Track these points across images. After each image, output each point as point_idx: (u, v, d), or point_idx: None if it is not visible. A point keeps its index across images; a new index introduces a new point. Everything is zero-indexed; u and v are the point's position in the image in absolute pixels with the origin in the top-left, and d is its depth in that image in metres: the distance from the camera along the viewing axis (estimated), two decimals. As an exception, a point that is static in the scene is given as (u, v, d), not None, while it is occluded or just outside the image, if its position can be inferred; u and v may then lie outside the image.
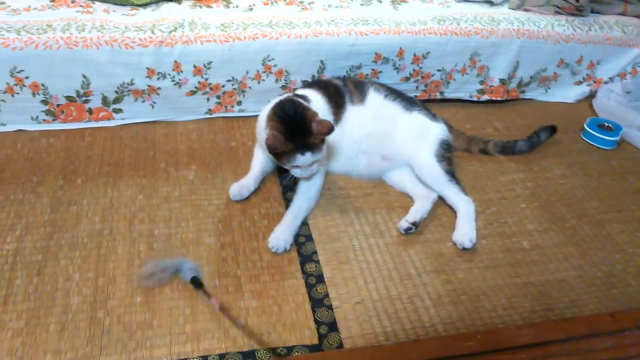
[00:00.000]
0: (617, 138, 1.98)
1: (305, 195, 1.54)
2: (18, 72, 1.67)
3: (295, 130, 1.36)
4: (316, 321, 1.26)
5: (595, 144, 1.99)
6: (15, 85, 1.69)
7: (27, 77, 1.68)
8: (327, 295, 1.33)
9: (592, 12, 2.23)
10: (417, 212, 1.54)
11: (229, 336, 1.20)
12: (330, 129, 1.36)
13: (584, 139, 2.02)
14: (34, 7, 1.84)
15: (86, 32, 1.69)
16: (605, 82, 2.26)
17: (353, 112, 1.62)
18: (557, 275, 1.45)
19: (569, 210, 1.68)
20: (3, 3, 1.83)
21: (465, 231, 1.50)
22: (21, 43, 1.63)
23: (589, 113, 2.20)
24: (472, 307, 1.34)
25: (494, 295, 1.38)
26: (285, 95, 1.50)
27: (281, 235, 1.44)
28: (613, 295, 1.41)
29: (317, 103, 1.53)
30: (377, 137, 1.63)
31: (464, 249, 1.48)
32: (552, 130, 1.92)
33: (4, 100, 1.71)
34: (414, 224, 1.51)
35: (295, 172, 1.44)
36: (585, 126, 2.01)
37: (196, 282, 1.29)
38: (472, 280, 1.41)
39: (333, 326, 1.25)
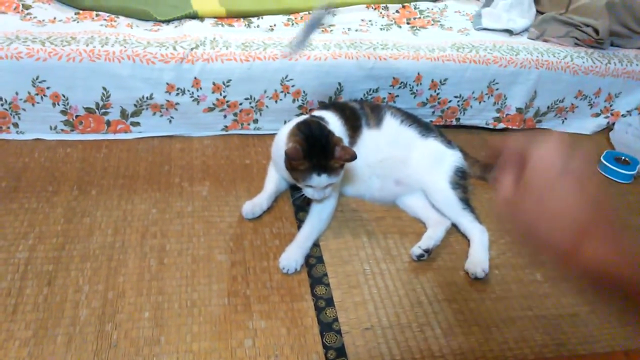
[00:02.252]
0: (634, 172, 1.96)
1: (318, 216, 1.54)
2: (40, 82, 1.69)
3: (317, 150, 1.36)
4: (324, 346, 1.24)
5: (611, 178, 1.98)
6: (37, 94, 1.71)
7: (48, 88, 1.71)
8: (336, 319, 1.31)
9: (612, 45, 2.23)
10: (430, 238, 1.53)
11: (236, 356, 1.19)
12: (353, 157, 1.36)
13: (601, 172, 2.01)
14: (59, 18, 1.87)
15: (109, 45, 1.72)
16: (623, 115, 2.24)
17: (369, 136, 1.62)
18: (569, 310, 1.43)
19: (584, 243, 1.66)
20: (30, 14, 1.87)
21: (478, 260, 1.49)
22: (45, 54, 1.66)
23: (606, 146, 2.19)
24: (483, 339, 1.31)
25: (506, 327, 1.35)
26: (306, 116, 1.51)
27: (292, 256, 1.43)
28: (627, 333, 1.38)
29: (334, 125, 1.53)
30: (392, 162, 1.62)
31: (477, 278, 1.47)
32: None
33: (24, 109, 1.74)
34: (427, 250, 1.50)
35: (307, 192, 1.44)
36: (602, 159, 2.00)
37: None
38: (483, 311, 1.39)
39: (341, 352, 1.24)
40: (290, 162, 1.38)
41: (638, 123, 2.16)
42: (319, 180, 1.38)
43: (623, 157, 2.01)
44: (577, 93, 2.15)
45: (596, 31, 2.12)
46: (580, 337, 1.35)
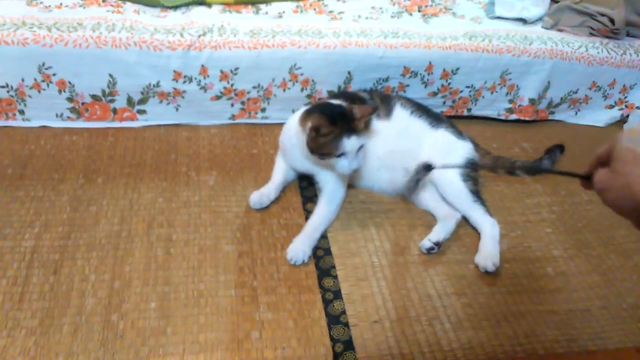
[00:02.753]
0: (648, 165, 1.92)
1: (326, 207, 1.52)
2: (46, 69, 1.67)
3: (338, 118, 1.34)
4: (332, 338, 1.23)
5: (625, 171, 1.94)
6: (43, 81, 1.70)
7: (54, 74, 1.69)
8: (344, 312, 1.30)
9: (628, 35, 2.18)
10: (440, 231, 1.51)
11: (243, 348, 1.18)
12: (374, 109, 1.36)
13: (614, 164, 1.97)
14: (65, 4, 1.84)
15: (116, 32, 1.69)
16: (638, 108, 2.20)
17: (378, 127, 1.60)
18: (581, 305, 1.41)
19: (596, 237, 1.63)
20: (36, 0, 1.85)
21: (488, 254, 1.47)
22: (51, 40, 1.64)
23: (619, 138, 2.14)
24: (492, 334, 1.30)
25: (516, 321, 1.34)
26: (314, 103, 1.49)
27: (300, 247, 1.42)
28: (639, 329, 1.36)
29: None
30: (402, 154, 1.59)
31: (487, 272, 1.45)
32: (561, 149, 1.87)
33: (30, 96, 1.72)
34: (437, 243, 1.48)
35: (342, 165, 1.37)
36: (616, 151, 1.96)
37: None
38: (493, 305, 1.37)
39: (349, 344, 1.22)
40: (317, 138, 1.33)
41: (653, 115, 2.13)
42: (351, 143, 1.33)
43: (637, 150, 1.97)
44: (591, 84, 2.11)
45: (612, 21, 2.07)
46: (592, 333, 1.33)
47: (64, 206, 1.49)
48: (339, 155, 1.36)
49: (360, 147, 1.37)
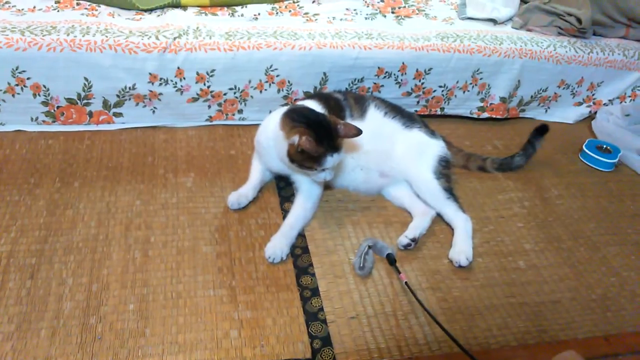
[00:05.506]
0: (615, 161, 1.98)
1: (303, 206, 1.54)
2: (20, 73, 1.66)
3: (324, 134, 1.36)
4: (310, 335, 1.25)
5: (593, 166, 2.00)
6: (17, 85, 1.68)
7: (28, 78, 1.68)
8: (321, 309, 1.32)
9: (594, 34, 2.24)
10: (416, 228, 1.54)
11: (222, 347, 1.20)
12: (359, 132, 1.39)
13: (583, 160, 2.03)
14: (39, 7, 1.84)
15: (90, 35, 1.69)
16: (605, 104, 2.27)
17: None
18: (551, 297, 1.45)
19: (566, 231, 1.68)
20: (8, 3, 1.83)
21: (462, 249, 1.50)
22: (24, 44, 1.63)
23: (588, 134, 2.21)
24: (467, 326, 1.33)
25: (489, 314, 1.37)
26: (292, 106, 1.51)
27: (278, 245, 1.43)
28: (607, 319, 1.41)
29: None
30: (376, 154, 1.63)
31: (460, 266, 1.48)
32: (543, 131, 1.85)
33: (4, 100, 1.71)
34: (414, 240, 1.51)
35: (320, 176, 1.43)
36: (584, 147, 2.02)
37: (391, 259, 1.43)
38: (467, 299, 1.41)
39: (327, 341, 1.24)
40: (301, 154, 1.36)
41: (619, 112, 2.19)
42: (333, 160, 1.38)
43: (605, 146, 2.03)
44: (560, 82, 2.16)
45: (579, 20, 2.13)
46: (562, 324, 1.38)
47: (40, 210, 1.48)
48: (323, 169, 1.41)
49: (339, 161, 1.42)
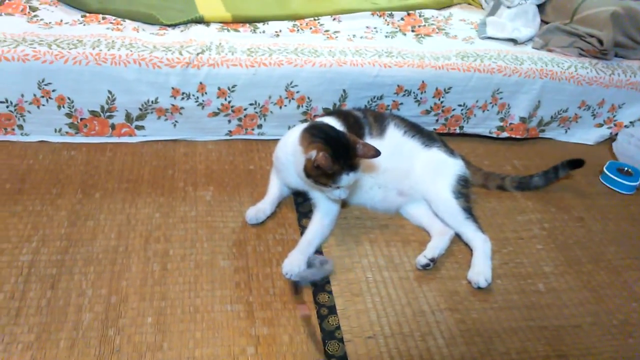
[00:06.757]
0: (636, 183, 1.96)
1: (321, 222, 1.54)
2: (46, 85, 1.69)
3: (341, 152, 1.37)
4: (326, 354, 1.24)
5: (614, 188, 1.98)
6: (42, 97, 1.72)
7: (54, 90, 1.71)
8: (338, 327, 1.31)
9: (616, 56, 2.23)
10: (435, 248, 1.53)
11: (238, 363, 1.20)
12: (377, 152, 1.39)
13: (603, 182, 2.01)
14: (65, 21, 1.88)
15: (115, 49, 1.72)
16: (626, 126, 2.25)
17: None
18: (571, 321, 1.43)
19: (586, 254, 1.66)
20: (37, 16, 1.87)
21: (480, 270, 1.49)
22: (51, 57, 1.66)
23: (609, 156, 2.19)
24: (485, 349, 1.31)
25: (508, 337, 1.36)
26: (313, 122, 1.52)
27: (295, 262, 1.43)
28: (629, 345, 1.38)
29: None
30: (394, 173, 1.62)
31: (479, 288, 1.47)
32: (574, 165, 1.86)
33: (29, 111, 1.74)
34: (432, 260, 1.50)
35: (335, 194, 1.44)
36: (605, 169, 2.00)
37: (297, 287, 1.36)
38: (486, 321, 1.39)
39: (343, 360, 1.24)
40: (317, 169, 1.36)
41: (641, 134, 2.17)
42: (348, 179, 1.39)
43: (626, 168, 2.01)
44: (580, 103, 2.15)
45: (600, 42, 2.12)
46: (582, 349, 1.35)
47: (62, 221, 1.50)
48: (336, 187, 1.41)
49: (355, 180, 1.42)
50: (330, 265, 1.44)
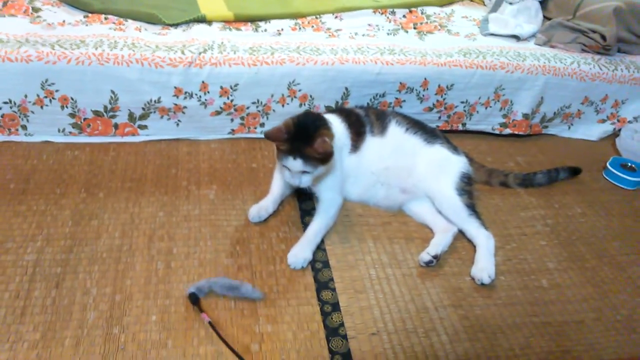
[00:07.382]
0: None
1: (325, 214, 1.55)
2: (49, 85, 1.70)
3: (299, 134, 1.40)
4: (330, 350, 1.25)
5: (617, 184, 1.97)
6: (45, 97, 1.72)
7: (57, 90, 1.72)
8: (342, 324, 1.32)
9: (619, 51, 2.22)
10: (438, 245, 1.54)
11: (243, 361, 1.20)
12: (326, 154, 1.39)
13: (606, 178, 2.00)
14: (68, 22, 1.88)
15: (118, 49, 1.73)
16: (630, 122, 2.24)
17: (372, 143, 1.63)
18: (575, 317, 1.43)
19: (589, 250, 1.66)
20: (39, 17, 1.88)
21: (484, 266, 1.49)
22: (54, 57, 1.67)
23: (612, 152, 2.18)
24: (489, 345, 1.32)
25: (512, 333, 1.36)
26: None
27: (300, 253, 1.45)
28: (633, 341, 1.38)
29: (337, 128, 1.55)
30: (397, 170, 1.63)
31: (483, 284, 1.47)
32: (574, 172, 1.93)
33: (33, 112, 1.75)
34: (436, 257, 1.50)
35: (286, 175, 1.47)
36: (608, 165, 2.00)
37: (193, 299, 1.30)
38: (489, 317, 1.39)
39: (347, 357, 1.24)
40: (271, 140, 1.42)
41: (644, 130, 2.16)
42: (293, 164, 1.41)
43: (629, 164, 2.00)
44: (583, 99, 2.15)
45: (603, 37, 2.12)
46: (586, 345, 1.35)
47: (66, 220, 1.51)
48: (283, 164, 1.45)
49: (306, 172, 1.43)
50: (245, 290, 1.34)
